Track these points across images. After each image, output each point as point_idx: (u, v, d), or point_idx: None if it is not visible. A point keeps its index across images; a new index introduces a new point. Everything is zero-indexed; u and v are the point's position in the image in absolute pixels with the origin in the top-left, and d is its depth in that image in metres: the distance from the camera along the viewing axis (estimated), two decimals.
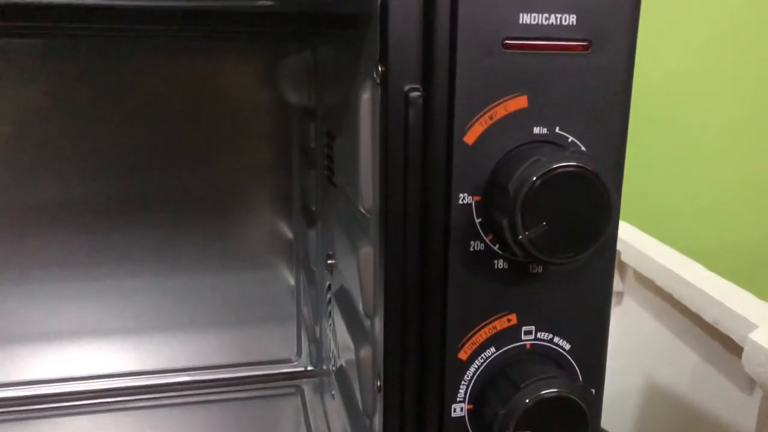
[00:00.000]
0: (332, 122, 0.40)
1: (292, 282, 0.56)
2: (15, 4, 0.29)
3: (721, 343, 0.46)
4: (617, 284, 0.61)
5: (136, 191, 0.52)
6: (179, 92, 0.51)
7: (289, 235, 0.55)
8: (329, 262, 0.41)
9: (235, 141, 0.53)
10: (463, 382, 0.27)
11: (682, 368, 0.50)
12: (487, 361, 0.27)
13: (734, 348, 0.42)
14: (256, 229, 0.55)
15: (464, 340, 0.26)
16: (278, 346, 0.57)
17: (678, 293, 0.49)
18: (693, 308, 0.47)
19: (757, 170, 0.85)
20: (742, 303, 0.44)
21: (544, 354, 0.27)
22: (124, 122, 0.51)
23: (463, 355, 0.26)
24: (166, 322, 0.55)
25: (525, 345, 0.27)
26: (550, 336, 0.27)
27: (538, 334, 0.27)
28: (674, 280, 0.50)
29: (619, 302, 0.62)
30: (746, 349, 0.40)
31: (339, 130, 0.36)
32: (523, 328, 0.27)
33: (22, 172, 0.50)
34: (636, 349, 0.58)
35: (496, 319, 0.26)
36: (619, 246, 0.59)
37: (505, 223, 0.24)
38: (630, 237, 0.59)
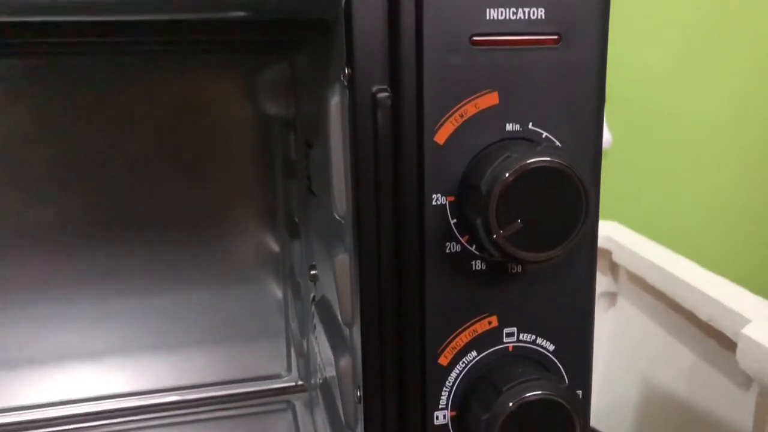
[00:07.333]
0: (309, 131, 0.39)
1: (280, 296, 0.55)
2: None
3: (717, 341, 0.45)
4: (610, 285, 0.61)
5: (117, 210, 0.51)
6: (159, 110, 0.51)
7: (275, 248, 0.55)
8: (312, 272, 0.41)
9: (218, 156, 0.52)
10: (444, 389, 0.26)
11: (679, 367, 0.50)
12: (469, 365, 0.26)
13: (729, 344, 0.42)
14: (241, 244, 0.54)
15: (444, 344, 0.26)
16: (268, 362, 0.56)
17: (671, 292, 0.49)
18: (687, 306, 0.46)
19: (749, 167, 0.85)
20: (735, 299, 0.43)
21: (527, 356, 0.26)
22: (104, 141, 0.50)
23: (443, 361, 0.26)
24: (153, 341, 0.54)
25: (507, 347, 0.26)
26: (533, 337, 0.26)
27: (521, 336, 0.26)
28: (667, 279, 0.49)
29: (613, 303, 0.61)
30: (740, 344, 0.39)
31: (315, 138, 0.36)
32: (505, 331, 0.26)
33: None
34: (632, 350, 0.57)
35: (476, 322, 0.26)
36: (610, 246, 0.59)
37: (479, 222, 0.23)
38: (621, 237, 0.59)
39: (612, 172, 0.79)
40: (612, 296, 0.61)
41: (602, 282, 0.60)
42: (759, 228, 0.87)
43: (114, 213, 0.51)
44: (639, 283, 0.56)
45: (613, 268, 0.60)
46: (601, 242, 0.59)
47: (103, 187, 0.51)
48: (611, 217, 0.63)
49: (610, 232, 0.60)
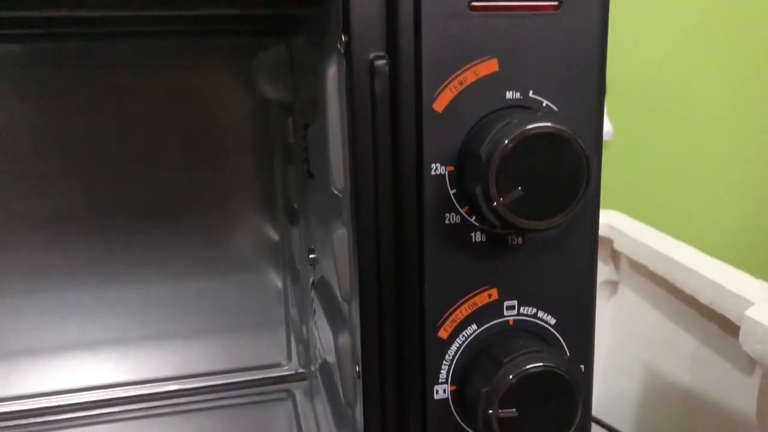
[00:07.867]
0: (307, 113, 0.39)
1: (280, 285, 0.55)
2: None
3: (719, 325, 0.45)
4: (612, 274, 0.60)
5: (116, 199, 0.51)
6: (157, 97, 0.50)
7: (275, 237, 0.54)
8: (311, 256, 0.40)
9: (216, 143, 0.52)
10: (444, 363, 0.25)
11: (681, 353, 0.49)
12: (469, 339, 0.25)
13: (732, 329, 0.41)
14: (241, 233, 0.54)
15: (444, 318, 0.25)
16: (268, 351, 0.55)
17: (672, 277, 0.48)
18: (688, 291, 0.46)
19: (751, 160, 0.84)
20: (738, 282, 0.43)
21: (528, 330, 0.26)
22: (100, 130, 0.50)
23: (443, 334, 0.25)
24: (152, 330, 0.53)
25: (508, 321, 0.26)
26: (534, 311, 0.26)
27: (521, 309, 0.26)
28: (668, 265, 0.49)
29: (615, 292, 0.61)
30: (743, 326, 0.39)
31: (312, 116, 0.35)
32: (505, 304, 0.26)
33: None
34: (634, 338, 0.57)
35: (476, 295, 0.25)
36: (611, 234, 0.58)
37: (478, 190, 0.23)
38: (622, 225, 0.58)
39: (613, 164, 0.79)
40: (613, 285, 0.61)
41: (603, 271, 0.60)
42: (761, 220, 0.86)
43: (112, 203, 0.51)
44: (640, 270, 0.55)
45: (615, 257, 0.60)
46: (602, 231, 0.58)
47: (100, 176, 0.50)
48: (612, 209, 0.63)
49: (610, 220, 0.59)
